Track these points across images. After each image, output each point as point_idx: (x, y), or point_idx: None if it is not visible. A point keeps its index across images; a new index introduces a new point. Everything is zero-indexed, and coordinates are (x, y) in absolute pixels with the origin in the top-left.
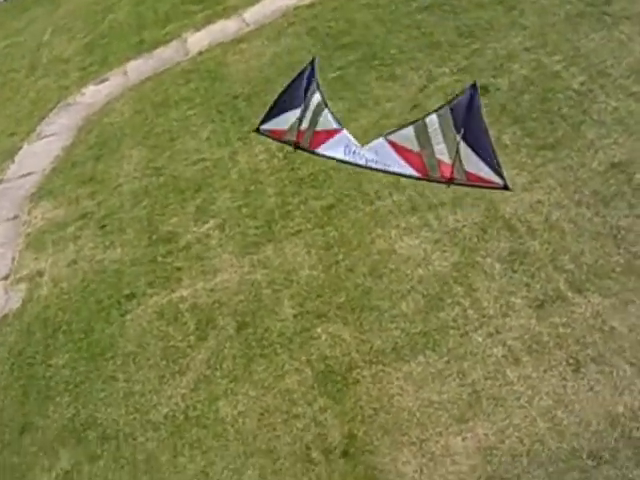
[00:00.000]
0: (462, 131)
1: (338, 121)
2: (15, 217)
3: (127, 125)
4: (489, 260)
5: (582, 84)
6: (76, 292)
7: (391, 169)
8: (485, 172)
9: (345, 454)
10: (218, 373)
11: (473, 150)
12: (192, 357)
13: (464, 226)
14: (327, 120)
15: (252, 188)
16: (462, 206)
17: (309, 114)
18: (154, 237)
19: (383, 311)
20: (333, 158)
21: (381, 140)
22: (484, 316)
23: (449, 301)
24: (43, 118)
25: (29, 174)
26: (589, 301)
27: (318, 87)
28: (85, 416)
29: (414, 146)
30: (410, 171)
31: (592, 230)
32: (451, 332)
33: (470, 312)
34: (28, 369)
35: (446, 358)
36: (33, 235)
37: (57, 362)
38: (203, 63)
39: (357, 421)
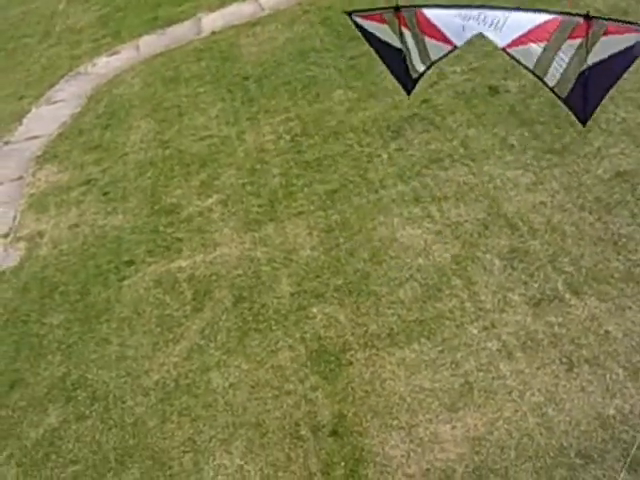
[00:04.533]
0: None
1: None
2: (19, 178)
3: (136, 97)
4: (489, 256)
5: None
6: (75, 255)
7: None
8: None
9: (334, 433)
10: (212, 344)
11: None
12: (187, 327)
13: (466, 221)
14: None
15: (257, 167)
16: (465, 201)
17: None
18: (156, 207)
19: (380, 296)
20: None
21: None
22: (481, 309)
23: (447, 292)
24: (53, 85)
25: (35, 137)
26: (586, 304)
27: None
28: (76, 376)
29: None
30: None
31: (593, 235)
32: (447, 323)
33: (467, 305)
34: (22, 326)
35: (440, 347)
36: (36, 197)
37: (51, 321)
38: (216, 43)
39: (348, 402)
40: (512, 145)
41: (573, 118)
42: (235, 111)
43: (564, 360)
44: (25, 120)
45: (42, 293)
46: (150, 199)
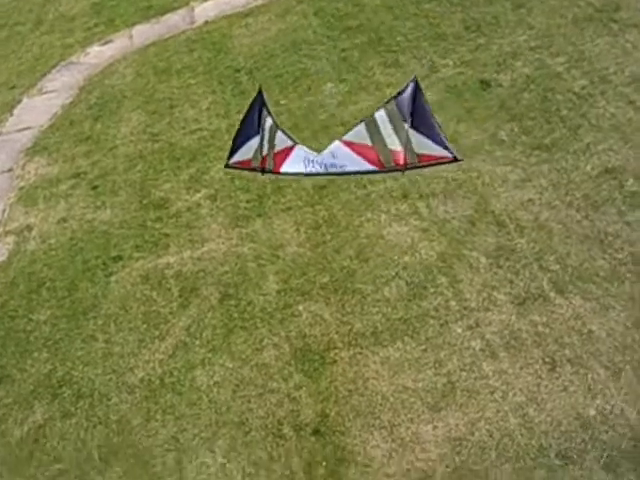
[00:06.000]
0: (410, 119)
1: (291, 138)
2: (9, 170)
3: (128, 88)
4: (475, 254)
5: (583, 88)
6: (63, 250)
7: (349, 169)
8: (436, 150)
9: (316, 432)
10: (197, 342)
11: (422, 134)
12: (173, 324)
13: (453, 218)
14: (282, 140)
15: None
16: (453, 198)
17: (266, 138)
18: (145, 202)
19: (366, 295)
20: (297, 174)
21: (337, 143)
22: (465, 308)
23: (432, 290)
24: (45, 74)
25: (26, 128)
26: (570, 303)
27: (269, 112)
28: (62, 373)
29: (367, 142)
30: (367, 167)
31: (580, 233)
32: (431, 321)
33: (452, 303)
34: (9, 322)
35: (424, 346)
36: (25, 190)
37: (38, 317)
38: (208, 33)
39: (331, 401)
40: (502, 140)
41: (564, 113)
42: (226, 104)
43: (547, 360)
44: (16, 111)
45: (30, 288)
46: (139, 193)
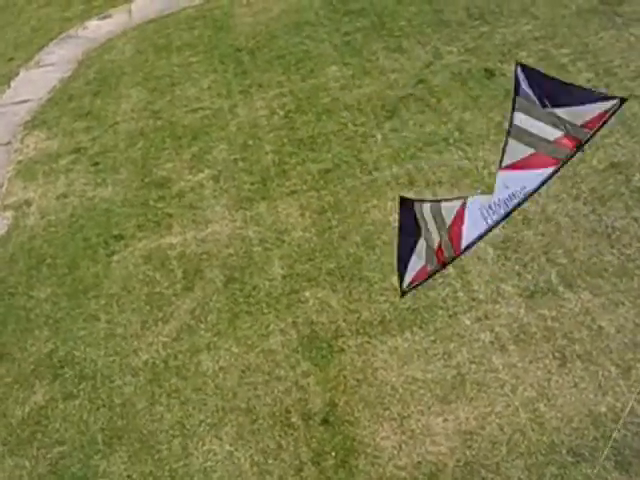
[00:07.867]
0: (546, 102)
1: (457, 197)
2: (7, 143)
3: (127, 64)
4: (483, 245)
5: (588, 80)
6: (64, 226)
7: (530, 188)
8: (594, 107)
9: (325, 422)
10: (202, 325)
11: (567, 105)
12: (177, 306)
13: None
14: (449, 208)
15: (250, 143)
16: (460, 187)
17: (432, 226)
18: (147, 180)
19: (373, 282)
20: (482, 236)
21: (501, 174)
22: (474, 300)
23: (440, 281)
24: (43, 47)
25: (25, 102)
26: (579, 297)
27: (420, 200)
28: (63, 353)
29: (528, 151)
30: (545, 172)
31: (587, 227)
32: (440, 312)
33: (460, 294)
34: (9, 298)
35: (433, 337)
36: (24, 164)
37: (39, 295)
38: (209, 11)
39: (339, 390)
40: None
41: None
42: (227, 83)
43: (557, 355)
44: (14, 83)
45: (29, 265)
46: (141, 171)
